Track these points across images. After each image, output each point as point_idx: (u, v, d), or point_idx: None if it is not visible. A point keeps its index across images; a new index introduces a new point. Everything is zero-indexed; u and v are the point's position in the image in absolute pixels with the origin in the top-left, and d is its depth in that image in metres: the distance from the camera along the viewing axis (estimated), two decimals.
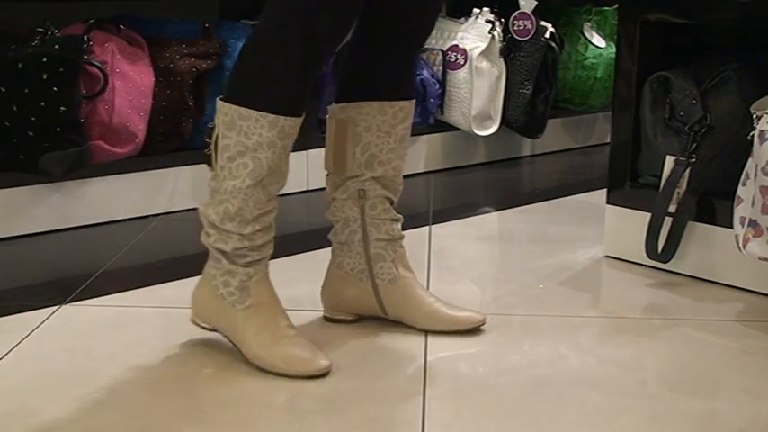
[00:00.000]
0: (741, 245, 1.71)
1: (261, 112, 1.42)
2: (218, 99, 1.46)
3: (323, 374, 1.46)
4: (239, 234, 1.47)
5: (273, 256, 1.51)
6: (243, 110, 1.42)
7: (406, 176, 1.67)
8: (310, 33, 1.40)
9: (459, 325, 1.64)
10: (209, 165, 1.48)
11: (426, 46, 2.88)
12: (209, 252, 1.53)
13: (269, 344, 1.48)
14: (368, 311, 1.66)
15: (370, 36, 1.58)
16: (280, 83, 1.44)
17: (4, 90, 2.10)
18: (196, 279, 1.56)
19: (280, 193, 1.51)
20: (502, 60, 2.91)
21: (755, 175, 1.67)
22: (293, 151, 1.49)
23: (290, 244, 2.05)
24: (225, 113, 1.44)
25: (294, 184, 2.27)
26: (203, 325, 1.56)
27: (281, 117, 1.42)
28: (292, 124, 1.44)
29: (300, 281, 1.81)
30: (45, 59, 2.08)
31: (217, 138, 1.46)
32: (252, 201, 1.46)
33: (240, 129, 1.43)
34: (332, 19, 1.41)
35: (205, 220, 1.51)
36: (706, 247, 1.91)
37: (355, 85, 1.60)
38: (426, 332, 1.63)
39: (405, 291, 1.64)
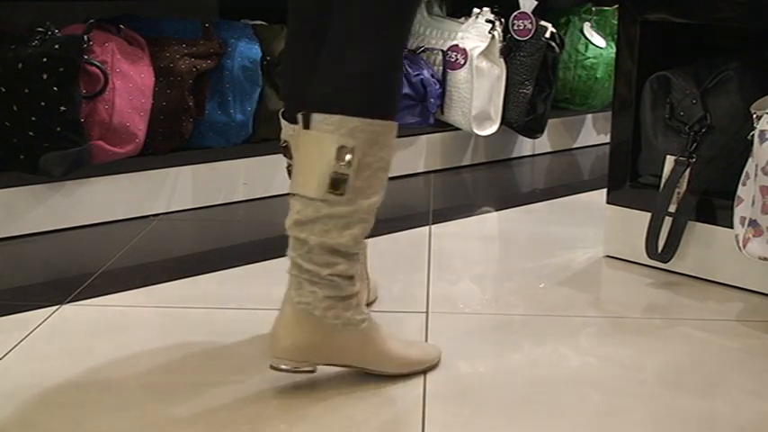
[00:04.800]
0: (741, 245, 1.71)
1: (394, 121, 1.35)
2: (342, 117, 1.30)
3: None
4: (356, 252, 1.38)
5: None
6: (386, 122, 1.33)
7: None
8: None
9: None
10: (340, 192, 1.32)
11: (427, 46, 2.89)
12: (316, 282, 1.35)
13: (400, 347, 1.47)
14: None
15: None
16: (397, 87, 1.39)
17: (4, 90, 2.10)
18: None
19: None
20: (502, 60, 2.90)
21: (755, 174, 1.67)
22: None
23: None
24: (361, 131, 1.31)
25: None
26: (307, 369, 1.39)
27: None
28: None
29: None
30: (45, 59, 2.08)
31: (358, 160, 1.31)
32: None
33: (383, 143, 1.33)
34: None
35: (329, 251, 1.34)
36: (706, 247, 1.91)
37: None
38: (426, 331, 1.64)
39: None
